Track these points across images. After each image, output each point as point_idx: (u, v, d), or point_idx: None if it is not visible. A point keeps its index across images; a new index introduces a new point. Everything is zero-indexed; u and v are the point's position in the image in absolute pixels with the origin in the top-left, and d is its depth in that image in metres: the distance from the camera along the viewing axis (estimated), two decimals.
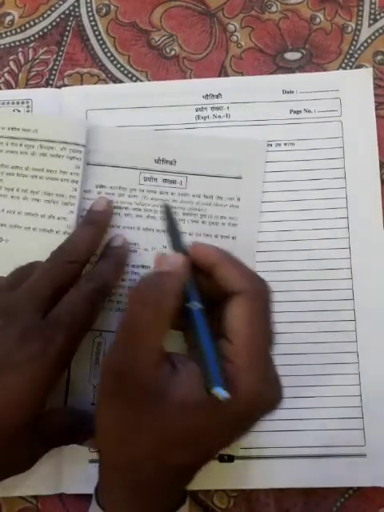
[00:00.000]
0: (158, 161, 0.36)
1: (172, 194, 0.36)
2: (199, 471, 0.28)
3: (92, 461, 0.34)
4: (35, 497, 0.35)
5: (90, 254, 0.33)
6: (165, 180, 0.36)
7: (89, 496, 0.34)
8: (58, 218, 0.35)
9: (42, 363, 0.28)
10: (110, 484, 0.29)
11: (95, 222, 0.34)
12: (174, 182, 0.36)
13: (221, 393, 0.24)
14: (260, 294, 0.27)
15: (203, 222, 0.36)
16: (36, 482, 0.34)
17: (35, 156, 0.36)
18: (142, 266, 0.36)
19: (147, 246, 0.36)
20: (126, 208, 0.36)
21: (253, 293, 0.27)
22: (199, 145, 0.37)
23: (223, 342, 0.26)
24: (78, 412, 0.33)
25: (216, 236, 0.36)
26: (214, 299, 0.28)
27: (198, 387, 0.25)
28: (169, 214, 0.31)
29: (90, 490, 0.34)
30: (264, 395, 0.26)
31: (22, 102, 0.38)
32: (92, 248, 0.33)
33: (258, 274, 0.28)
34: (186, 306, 0.27)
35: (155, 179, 0.36)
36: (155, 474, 0.27)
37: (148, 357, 0.25)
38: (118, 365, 0.26)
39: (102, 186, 0.36)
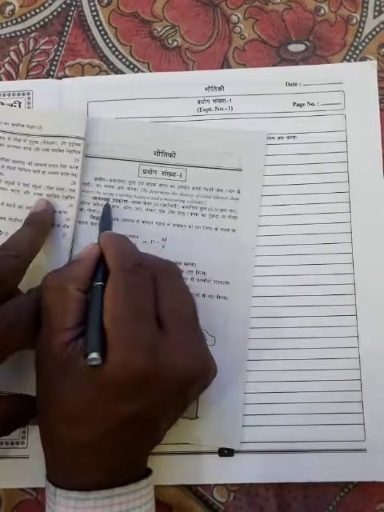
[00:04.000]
0: (157, 153, 0.36)
1: (171, 186, 0.36)
2: (121, 454, 0.28)
3: None
4: (35, 489, 0.35)
5: (32, 251, 0.33)
6: (164, 172, 0.36)
7: None
8: (59, 212, 0.35)
9: None
10: (44, 453, 0.30)
11: (35, 222, 0.34)
12: (173, 174, 0.36)
13: (94, 356, 0.26)
14: (122, 269, 0.28)
15: (203, 215, 0.36)
16: (36, 474, 0.34)
17: (38, 151, 0.36)
18: None
19: (146, 239, 0.36)
20: (125, 201, 0.36)
21: (117, 268, 0.28)
22: (199, 137, 0.36)
23: None
24: (18, 397, 0.33)
25: (216, 229, 0.36)
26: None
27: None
28: (107, 214, 0.35)
29: None
30: (132, 369, 0.26)
31: (23, 94, 0.37)
32: (34, 246, 0.33)
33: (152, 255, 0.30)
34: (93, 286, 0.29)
35: (154, 172, 0.36)
36: (69, 449, 0.28)
37: (59, 337, 0.27)
38: (40, 341, 0.28)
39: (100, 179, 0.36)
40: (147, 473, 0.30)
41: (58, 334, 0.27)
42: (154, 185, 0.36)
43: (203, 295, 0.35)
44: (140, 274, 0.28)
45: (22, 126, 0.36)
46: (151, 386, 0.27)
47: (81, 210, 0.36)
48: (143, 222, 0.36)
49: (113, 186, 0.36)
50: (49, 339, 0.28)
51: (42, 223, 0.34)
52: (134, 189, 0.36)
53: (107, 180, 0.36)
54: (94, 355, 0.26)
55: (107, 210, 0.35)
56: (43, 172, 0.35)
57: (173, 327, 0.28)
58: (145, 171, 0.36)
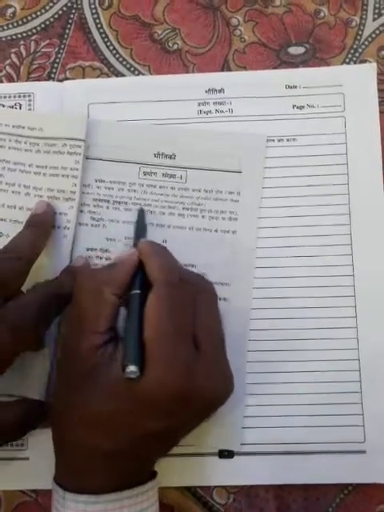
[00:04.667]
0: (157, 155, 0.36)
1: (172, 188, 0.36)
2: (136, 461, 0.29)
3: None
4: (34, 491, 0.35)
5: (33, 253, 0.33)
6: (164, 174, 0.36)
7: None
8: (59, 214, 0.35)
9: None
10: (56, 456, 0.29)
11: (36, 224, 0.34)
12: (173, 176, 0.36)
13: (132, 369, 0.25)
14: (169, 284, 0.28)
15: (203, 217, 0.36)
16: (35, 476, 0.34)
17: (40, 153, 0.36)
18: None
19: None
20: (126, 203, 0.36)
21: (161, 283, 0.28)
22: (199, 139, 0.36)
23: None
24: (29, 402, 0.33)
25: (216, 230, 0.36)
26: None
27: (119, 369, 0.26)
28: (141, 219, 0.35)
29: None
30: (168, 386, 0.26)
31: (24, 96, 0.38)
32: (35, 248, 0.33)
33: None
34: (129, 293, 0.29)
35: (155, 173, 0.36)
36: (85, 454, 0.28)
37: (89, 339, 0.27)
38: (66, 342, 0.28)
39: (101, 181, 0.36)
40: (153, 474, 0.30)
41: (88, 337, 0.27)
42: (155, 187, 0.36)
43: None
44: (184, 291, 0.28)
45: (23, 127, 0.36)
46: (183, 406, 0.27)
47: (81, 211, 0.36)
48: None
49: (113, 188, 0.36)
50: (78, 341, 0.27)
51: (42, 225, 0.34)
52: (135, 190, 0.36)
53: (107, 182, 0.36)
54: (132, 368, 0.25)
55: (142, 214, 0.35)
56: (44, 174, 0.36)
57: (208, 349, 0.28)
58: (145, 173, 0.36)
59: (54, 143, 0.36)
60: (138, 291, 0.28)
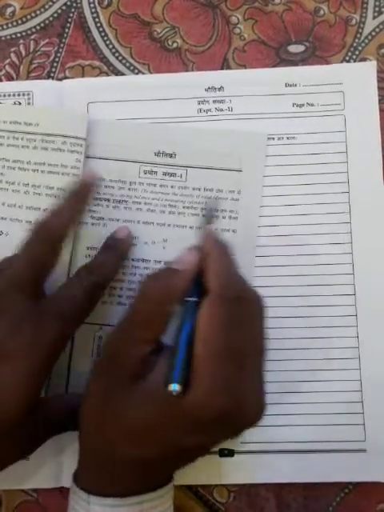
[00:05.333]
0: (157, 154, 0.36)
1: (172, 187, 0.36)
2: (165, 477, 0.29)
3: None
4: (36, 490, 0.35)
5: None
6: (165, 173, 0.36)
7: None
8: None
9: (34, 351, 0.28)
10: (81, 464, 0.29)
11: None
12: (174, 175, 0.36)
13: (173, 388, 0.25)
14: (227, 298, 0.26)
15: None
16: (36, 475, 0.34)
17: (37, 150, 0.35)
18: (143, 260, 0.35)
19: (147, 240, 0.36)
20: (126, 201, 0.36)
21: (218, 295, 0.26)
22: (199, 137, 0.36)
23: None
24: (77, 398, 0.33)
25: (216, 229, 0.36)
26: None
27: (161, 381, 0.26)
28: (212, 211, 0.33)
29: None
30: (212, 406, 0.25)
31: (23, 94, 0.37)
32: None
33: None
34: (184, 299, 0.28)
35: (155, 172, 0.36)
36: (118, 462, 0.27)
37: (138, 347, 0.27)
38: (113, 344, 0.28)
39: (101, 179, 0.36)
40: (170, 477, 0.30)
41: (138, 345, 0.27)
42: (155, 185, 0.36)
43: None
44: (240, 308, 0.27)
45: (20, 123, 0.36)
46: (223, 425, 0.26)
47: None
48: (144, 222, 0.36)
49: (113, 187, 0.36)
50: (125, 346, 0.27)
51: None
52: (135, 189, 0.36)
53: (107, 180, 0.36)
54: (176, 388, 0.25)
55: (213, 203, 0.34)
56: (42, 171, 0.35)
57: (254, 369, 0.27)
58: (145, 172, 0.36)
59: (53, 140, 0.35)
60: (194, 299, 0.27)
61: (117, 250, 0.34)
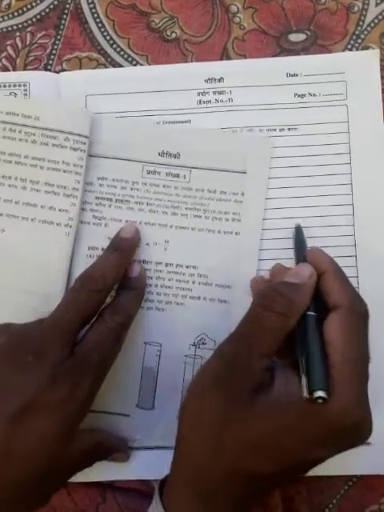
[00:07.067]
0: (161, 154, 0.36)
1: (175, 187, 0.36)
2: (268, 493, 0.29)
3: None
4: None
5: (115, 282, 0.33)
6: (168, 173, 0.36)
7: (93, 484, 0.35)
8: (59, 210, 0.35)
9: (70, 407, 0.28)
10: (177, 480, 0.28)
11: (122, 249, 0.34)
12: (177, 175, 0.36)
13: (319, 394, 0.25)
14: (357, 312, 0.27)
15: (206, 217, 0.35)
16: None
17: (36, 144, 0.35)
18: (144, 261, 0.35)
19: (149, 241, 0.35)
20: (128, 201, 0.36)
21: (350, 309, 0.27)
22: (204, 138, 0.36)
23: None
24: (100, 432, 0.33)
25: (219, 231, 0.35)
26: (318, 308, 0.28)
27: (291, 392, 0.26)
28: (299, 234, 0.33)
29: (94, 479, 0.35)
30: (353, 414, 0.25)
31: (19, 85, 0.37)
32: (118, 276, 0.33)
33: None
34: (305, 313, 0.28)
35: (158, 173, 0.36)
36: (224, 479, 0.26)
37: (261, 360, 0.26)
38: (232, 356, 0.27)
39: (103, 178, 0.36)
40: None
41: (261, 358, 0.27)
42: (158, 186, 0.36)
43: (204, 299, 0.35)
44: (365, 322, 0.28)
45: (17, 115, 0.35)
46: (355, 436, 0.26)
47: (83, 209, 0.35)
48: (146, 223, 0.35)
49: (116, 186, 0.36)
50: (248, 360, 0.26)
51: (127, 252, 0.34)
52: (137, 189, 0.36)
53: (110, 180, 0.36)
54: (321, 394, 0.25)
55: (299, 230, 0.34)
56: (41, 167, 0.35)
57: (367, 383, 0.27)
58: (148, 172, 0.36)
59: (54, 135, 0.35)
60: (314, 313, 0.28)
61: (135, 288, 0.33)
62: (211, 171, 0.36)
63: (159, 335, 0.35)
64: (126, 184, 0.36)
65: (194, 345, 0.35)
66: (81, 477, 0.34)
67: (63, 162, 0.35)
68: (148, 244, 0.35)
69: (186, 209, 0.35)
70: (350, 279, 0.29)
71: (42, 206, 0.35)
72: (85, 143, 0.35)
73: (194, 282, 0.35)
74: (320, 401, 0.25)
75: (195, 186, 0.35)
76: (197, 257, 0.35)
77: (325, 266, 0.29)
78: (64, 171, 0.35)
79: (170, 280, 0.35)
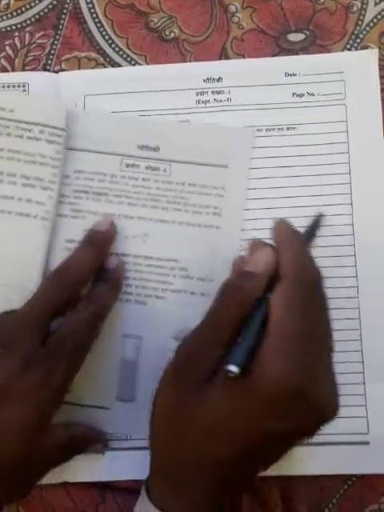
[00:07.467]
0: (141, 147, 0.36)
1: (155, 181, 0.35)
2: (243, 480, 0.29)
3: None
4: (39, 485, 0.35)
5: (89, 275, 0.33)
6: (148, 167, 0.36)
7: (93, 484, 0.35)
8: (36, 203, 0.34)
9: (44, 393, 0.28)
10: (152, 470, 0.29)
11: (97, 243, 0.34)
12: (157, 169, 0.36)
13: (231, 368, 0.25)
14: (301, 281, 0.27)
15: (187, 211, 0.35)
16: None
17: (11, 137, 0.35)
18: (123, 254, 0.35)
19: (127, 234, 0.35)
20: (107, 194, 0.35)
21: (293, 280, 0.27)
22: (185, 132, 0.36)
23: None
24: (77, 425, 0.33)
25: (199, 225, 0.35)
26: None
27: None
28: (316, 222, 0.32)
29: (94, 479, 0.35)
30: (290, 383, 0.25)
31: (18, 86, 0.37)
32: (92, 269, 0.33)
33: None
34: None
35: (137, 166, 0.36)
36: (189, 465, 0.27)
37: (217, 349, 0.27)
38: (191, 348, 0.27)
39: (80, 171, 0.35)
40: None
41: (216, 348, 0.27)
42: (137, 179, 0.35)
43: (185, 292, 0.35)
44: (314, 293, 0.27)
45: None
46: (298, 406, 0.26)
47: (60, 202, 0.35)
48: (125, 216, 0.35)
49: (93, 179, 0.35)
50: (204, 350, 0.27)
51: (103, 245, 0.34)
52: (116, 182, 0.35)
53: (87, 173, 0.35)
54: (231, 368, 0.25)
55: (318, 220, 0.33)
56: (18, 160, 0.35)
57: (326, 355, 0.27)
58: (127, 165, 0.36)
59: (29, 128, 0.34)
60: (269, 296, 0.27)
61: (111, 280, 0.33)
62: (192, 165, 0.35)
63: (140, 328, 0.35)
64: (105, 177, 0.35)
65: (174, 338, 0.34)
66: (80, 477, 0.35)
67: (39, 155, 0.34)
68: (126, 237, 0.35)
69: (167, 202, 0.35)
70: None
71: (18, 199, 0.34)
72: (61, 136, 0.35)
73: (174, 276, 0.35)
74: (232, 375, 0.25)
75: (175, 179, 0.35)
76: (177, 250, 0.35)
77: (280, 237, 0.29)
78: (41, 164, 0.35)
79: (149, 273, 0.35)
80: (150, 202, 0.35)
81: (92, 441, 0.33)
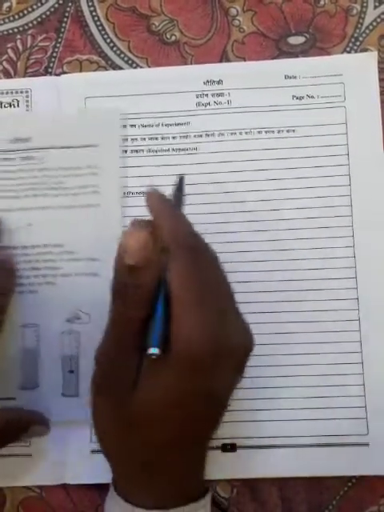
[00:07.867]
0: (13, 141, 0.36)
1: (31, 170, 0.36)
2: (188, 452, 0.28)
3: (94, 451, 0.35)
4: (39, 486, 0.35)
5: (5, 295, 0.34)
6: (23, 158, 0.36)
7: (92, 486, 0.35)
8: None
9: None
10: (117, 475, 0.29)
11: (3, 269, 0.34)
12: (32, 158, 0.36)
13: (151, 352, 0.25)
14: (183, 248, 0.26)
15: (66, 195, 0.36)
16: (39, 472, 0.34)
17: None
18: (11, 247, 0.35)
19: (11, 226, 0.36)
20: None
21: (175, 248, 0.26)
22: (55, 120, 0.37)
23: None
24: (11, 411, 0.33)
25: (80, 206, 0.36)
26: None
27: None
28: (180, 187, 0.31)
29: (93, 480, 0.35)
30: (199, 340, 0.25)
31: (22, 92, 0.37)
32: (5, 292, 0.34)
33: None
34: None
35: (13, 159, 0.36)
36: (149, 455, 0.27)
37: (132, 356, 0.27)
38: (105, 362, 0.27)
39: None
40: (206, 490, 0.30)
41: (132, 353, 0.27)
42: (13, 172, 0.36)
43: (75, 275, 0.35)
44: (199, 256, 0.27)
45: None
46: (217, 359, 0.26)
47: None
48: (6, 210, 0.36)
49: None
50: (119, 361, 0.27)
51: (13, 268, 0.34)
52: None
53: None
54: (152, 351, 0.25)
55: (181, 182, 0.31)
56: None
57: (229, 304, 0.27)
58: (1, 159, 0.36)
59: None
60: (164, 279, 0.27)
61: (5, 270, 0.34)
62: (65, 149, 0.36)
63: (36, 316, 0.35)
64: None
65: (68, 321, 0.35)
66: (80, 478, 0.35)
67: None
68: (11, 229, 0.36)
69: (45, 189, 0.36)
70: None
71: None
72: None
73: (61, 260, 0.35)
74: (154, 356, 0.25)
75: (50, 165, 0.36)
76: (62, 235, 0.35)
77: (154, 211, 0.28)
78: None
79: (37, 261, 0.35)
80: (29, 191, 0.36)
81: (30, 424, 0.33)
